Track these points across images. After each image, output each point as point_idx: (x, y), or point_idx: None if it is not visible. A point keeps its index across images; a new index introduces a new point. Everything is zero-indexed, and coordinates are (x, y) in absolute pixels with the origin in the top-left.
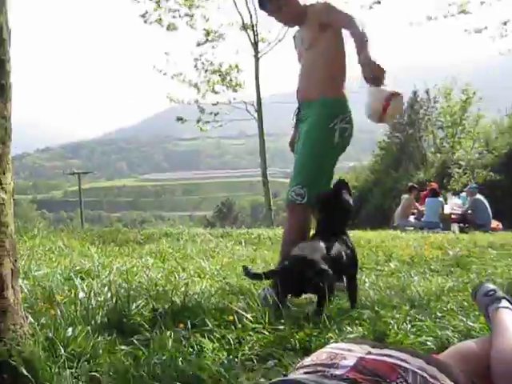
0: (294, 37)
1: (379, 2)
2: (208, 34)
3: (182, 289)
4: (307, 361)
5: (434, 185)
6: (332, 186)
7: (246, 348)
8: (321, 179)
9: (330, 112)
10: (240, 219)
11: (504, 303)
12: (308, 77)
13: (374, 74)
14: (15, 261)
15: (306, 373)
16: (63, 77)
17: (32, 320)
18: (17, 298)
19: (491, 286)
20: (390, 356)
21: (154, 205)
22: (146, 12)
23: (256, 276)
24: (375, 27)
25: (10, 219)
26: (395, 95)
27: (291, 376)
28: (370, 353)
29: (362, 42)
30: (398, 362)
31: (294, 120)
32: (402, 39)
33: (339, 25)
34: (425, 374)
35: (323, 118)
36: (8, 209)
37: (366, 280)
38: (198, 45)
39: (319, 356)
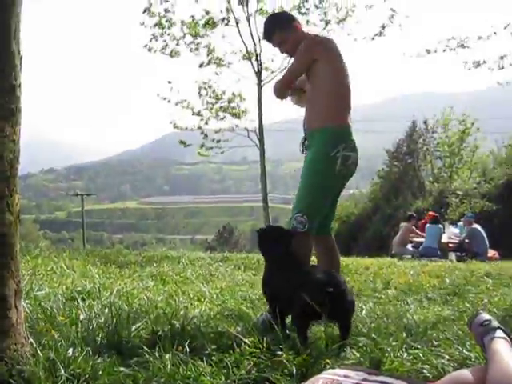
0: None
1: (381, 35)
2: (210, 52)
3: (182, 312)
4: None
5: (434, 213)
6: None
7: (244, 372)
8: (322, 207)
9: (331, 140)
10: (240, 244)
11: (499, 333)
12: (310, 107)
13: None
14: (19, 281)
15: None
16: (69, 101)
17: (33, 340)
18: (19, 318)
19: (486, 316)
20: (385, 383)
21: (155, 227)
22: (153, 36)
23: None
24: (377, 57)
25: (16, 240)
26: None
27: None
28: (365, 379)
29: None
30: None
31: (301, 148)
32: (403, 68)
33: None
34: None
35: (325, 147)
36: (14, 230)
37: (363, 307)
38: (201, 66)
39: (315, 382)
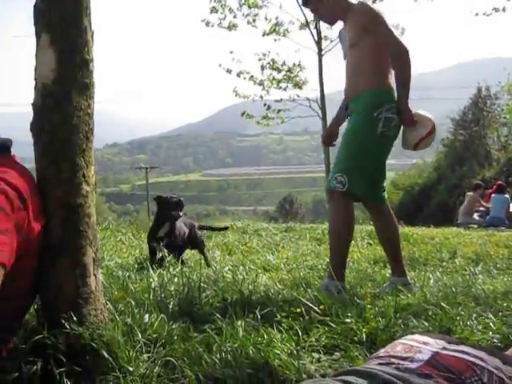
0: (340, 33)
1: None
2: (276, 25)
3: (250, 280)
4: (382, 352)
5: (501, 182)
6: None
7: (313, 339)
8: (363, 168)
9: (374, 101)
10: (302, 215)
11: None
12: (354, 75)
13: (408, 122)
14: (96, 250)
15: (379, 364)
16: (129, 76)
17: (111, 306)
18: (98, 285)
19: None
20: (465, 353)
21: (218, 199)
22: (214, 8)
23: None
24: (435, 21)
25: (92, 210)
26: (428, 135)
27: (364, 366)
28: (445, 348)
29: (404, 86)
30: (474, 360)
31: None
32: (473, 34)
33: (382, 40)
34: (501, 375)
35: (368, 108)
36: (91, 200)
37: (431, 276)
38: (264, 35)
39: (394, 348)
